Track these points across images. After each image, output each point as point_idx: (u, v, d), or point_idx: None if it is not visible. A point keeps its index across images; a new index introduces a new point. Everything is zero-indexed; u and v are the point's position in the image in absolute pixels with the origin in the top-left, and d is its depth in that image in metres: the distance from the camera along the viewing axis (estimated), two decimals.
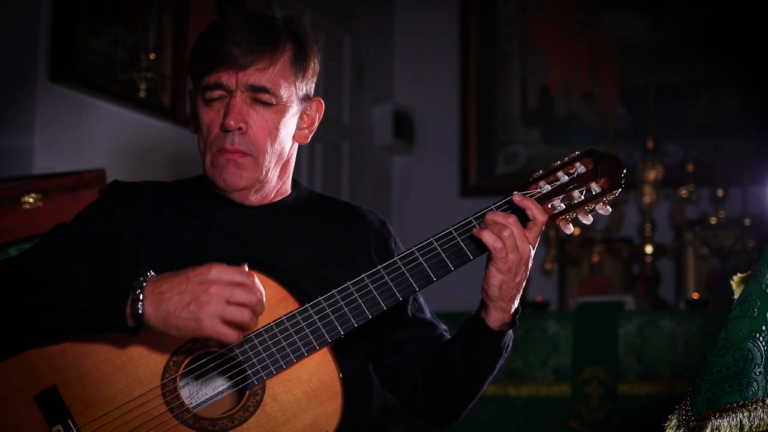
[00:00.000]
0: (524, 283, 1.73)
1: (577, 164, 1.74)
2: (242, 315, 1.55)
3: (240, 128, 1.76)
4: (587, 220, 1.74)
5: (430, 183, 5.26)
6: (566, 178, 1.73)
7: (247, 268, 1.60)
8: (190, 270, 1.58)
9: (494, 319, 1.76)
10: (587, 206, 1.72)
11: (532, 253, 1.71)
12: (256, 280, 1.59)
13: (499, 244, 1.67)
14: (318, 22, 4.77)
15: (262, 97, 1.77)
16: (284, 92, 1.79)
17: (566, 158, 1.76)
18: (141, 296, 1.57)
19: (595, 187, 1.72)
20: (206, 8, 3.84)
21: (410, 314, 1.93)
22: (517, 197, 1.69)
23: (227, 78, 1.76)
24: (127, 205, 1.86)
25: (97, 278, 1.71)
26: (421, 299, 1.98)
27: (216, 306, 1.54)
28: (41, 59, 3.17)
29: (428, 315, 1.97)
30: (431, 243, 1.71)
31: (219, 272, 1.56)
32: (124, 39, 3.45)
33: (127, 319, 1.59)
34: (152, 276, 1.60)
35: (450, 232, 1.71)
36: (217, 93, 1.77)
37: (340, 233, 1.91)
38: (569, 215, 1.73)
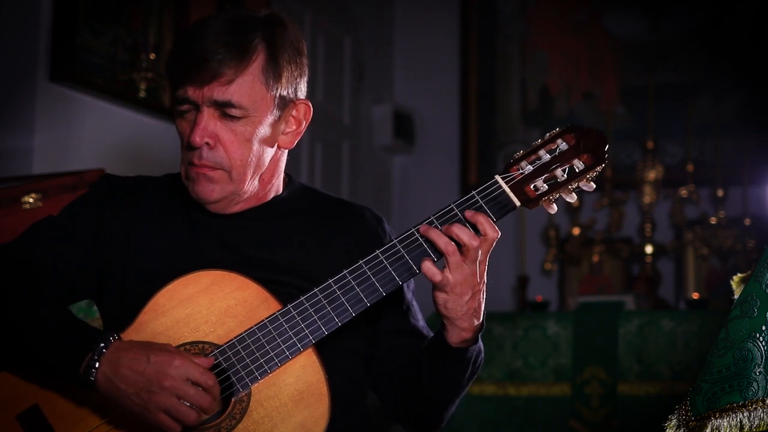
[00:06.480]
0: (479, 303, 1.68)
1: (559, 141, 1.68)
2: (189, 416, 1.56)
3: (208, 144, 1.71)
4: (571, 198, 1.69)
5: (430, 183, 5.26)
6: (548, 156, 1.67)
7: (212, 362, 1.61)
8: (154, 351, 1.58)
9: (452, 335, 1.71)
10: (571, 185, 1.67)
11: (483, 276, 1.66)
12: (216, 380, 1.59)
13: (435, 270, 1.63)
14: (318, 22, 4.77)
15: (228, 111, 1.70)
16: (254, 103, 1.71)
17: (547, 135, 1.70)
18: (97, 363, 1.57)
19: (578, 164, 1.66)
20: (206, 8, 3.83)
21: (404, 321, 1.88)
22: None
23: (192, 92, 1.69)
24: (118, 204, 1.82)
25: (67, 319, 1.67)
26: (416, 307, 1.92)
27: (165, 400, 1.55)
28: (41, 59, 3.17)
29: (421, 324, 1.91)
30: (414, 234, 1.65)
31: (180, 366, 1.56)
32: (124, 39, 3.45)
33: (80, 378, 1.59)
34: (115, 341, 1.60)
35: (432, 220, 1.66)
36: (186, 107, 1.72)
37: (330, 231, 1.85)
38: (553, 196, 1.67)
